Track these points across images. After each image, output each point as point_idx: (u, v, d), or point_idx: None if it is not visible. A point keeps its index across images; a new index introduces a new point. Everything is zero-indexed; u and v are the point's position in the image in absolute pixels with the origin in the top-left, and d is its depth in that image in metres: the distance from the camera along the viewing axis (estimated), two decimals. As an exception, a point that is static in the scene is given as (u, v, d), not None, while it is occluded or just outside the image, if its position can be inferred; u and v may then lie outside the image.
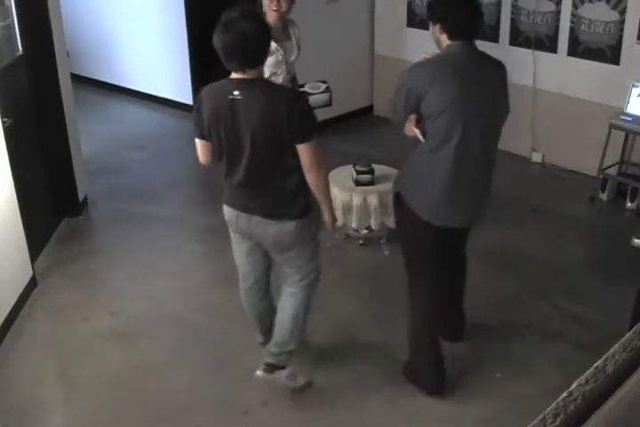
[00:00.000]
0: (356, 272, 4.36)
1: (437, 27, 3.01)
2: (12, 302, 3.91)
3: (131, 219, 5.04)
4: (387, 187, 4.31)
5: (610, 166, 5.20)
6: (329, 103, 4.12)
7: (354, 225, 4.43)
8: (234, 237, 3.27)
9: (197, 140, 3.04)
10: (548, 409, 1.03)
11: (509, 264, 4.45)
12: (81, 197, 5.13)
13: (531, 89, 5.63)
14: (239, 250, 3.31)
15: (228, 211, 3.15)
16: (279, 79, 4.13)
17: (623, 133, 5.08)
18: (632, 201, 5.13)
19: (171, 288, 4.23)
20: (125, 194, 5.43)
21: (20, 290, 4.02)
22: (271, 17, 4.13)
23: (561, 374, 3.33)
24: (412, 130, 3.04)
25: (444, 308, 3.49)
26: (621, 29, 5.10)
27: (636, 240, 2.95)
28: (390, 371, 3.50)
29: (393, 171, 4.45)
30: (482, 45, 3.10)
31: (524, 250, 4.63)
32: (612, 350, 1.13)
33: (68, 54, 5.26)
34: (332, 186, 4.43)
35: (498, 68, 3.12)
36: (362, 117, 6.85)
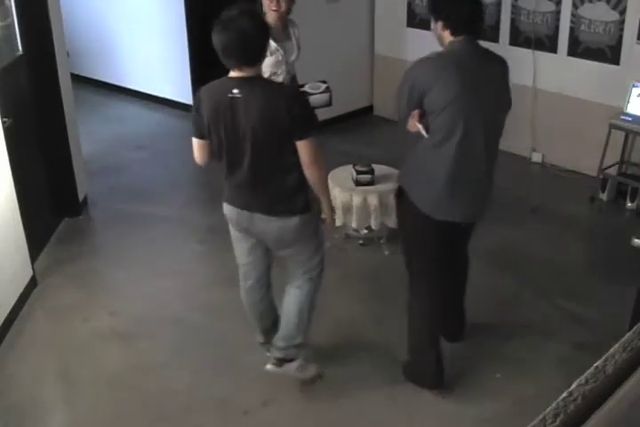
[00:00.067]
0: (356, 272, 4.36)
1: (440, 24, 3.02)
2: (12, 302, 3.91)
3: (131, 219, 5.04)
4: (387, 187, 4.32)
5: (610, 166, 5.20)
6: (329, 103, 4.12)
7: (354, 225, 4.43)
8: (235, 235, 3.27)
9: (195, 140, 3.04)
10: (548, 409, 1.03)
11: (509, 264, 4.45)
12: (81, 197, 5.13)
13: (531, 89, 5.63)
14: (240, 249, 3.31)
15: (229, 209, 3.15)
16: (279, 79, 4.14)
17: (623, 133, 5.08)
18: (632, 201, 5.13)
19: (171, 288, 4.23)
20: (125, 194, 5.43)
21: (20, 290, 4.02)
22: (271, 17, 4.14)
23: (561, 374, 3.34)
24: (415, 125, 3.05)
25: (444, 307, 3.49)
26: (621, 29, 5.10)
27: (636, 240, 2.95)
28: (390, 371, 3.50)
29: (393, 171, 4.45)
30: (482, 45, 3.11)
31: (524, 250, 4.63)
32: (612, 350, 1.13)
33: (68, 54, 5.27)
34: (331, 186, 4.43)
35: (500, 63, 3.15)
36: (362, 117, 6.85)
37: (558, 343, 3.68)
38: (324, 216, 3.21)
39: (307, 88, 3.96)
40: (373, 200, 4.32)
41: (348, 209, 4.37)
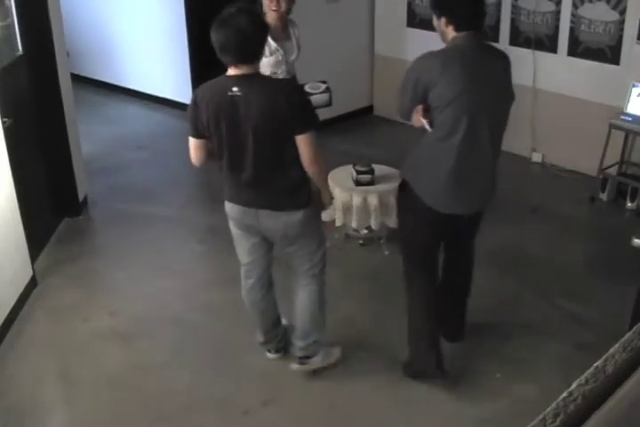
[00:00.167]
0: (356, 272, 4.36)
1: (443, 20, 3.03)
2: (12, 302, 3.91)
3: (131, 219, 5.04)
4: (387, 187, 4.32)
5: (610, 166, 5.20)
6: (329, 103, 4.12)
7: (354, 225, 4.43)
8: (237, 234, 3.28)
9: (192, 140, 3.05)
10: (548, 409, 1.03)
11: (509, 264, 4.45)
12: (81, 197, 5.13)
13: (531, 89, 5.63)
14: (242, 248, 3.32)
15: (232, 208, 3.16)
16: (279, 79, 4.13)
17: (623, 133, 5.08)
18: (632, 201, 5.13)
19: (171, 288, 4.23)
20: (125, 194, 5.43)
21: (20, 290, 4.02)
22: (271, 17, 4.14)
23: (561, 374, 3.34)
24: (419, 120, 3.07)
25: (444, 306, 3.51)
26: (621, 29, 5.10)
27: (636, 240, 2.95)
28: (390, 371, 3.50)
29: (393, 171, 4.45)
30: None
31: (524, 250, 4.63)
32: (611, 350, 1.13)
33: (68, 54, 5.27)
34: (332, 186, 4.43)
35: (502, 58, 3.18)
36: (362, 117, 6.85)
37: (558, 343, 3.68)
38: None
39: (307, 88, 3.96)
40: (373, 200, 4.32)
41: (347, 209, 4.37)
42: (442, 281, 3.57)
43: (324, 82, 4.10)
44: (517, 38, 5.68)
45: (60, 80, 4.72)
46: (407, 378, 3.44)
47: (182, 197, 5.47)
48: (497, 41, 5.65)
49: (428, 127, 3.05)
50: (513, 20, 5.68)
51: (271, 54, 4.12)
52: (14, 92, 4.27)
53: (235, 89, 2.84)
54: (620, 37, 5.12)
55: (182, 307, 4.06)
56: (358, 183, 4.41)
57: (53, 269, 4.41)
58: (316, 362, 3.46)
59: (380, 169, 4.50)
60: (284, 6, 4.14)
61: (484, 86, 3.03)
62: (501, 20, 5.73)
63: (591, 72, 5.34)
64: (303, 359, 3.45)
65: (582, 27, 5.31)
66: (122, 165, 5.93)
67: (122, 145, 6.32)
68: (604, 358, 1.12)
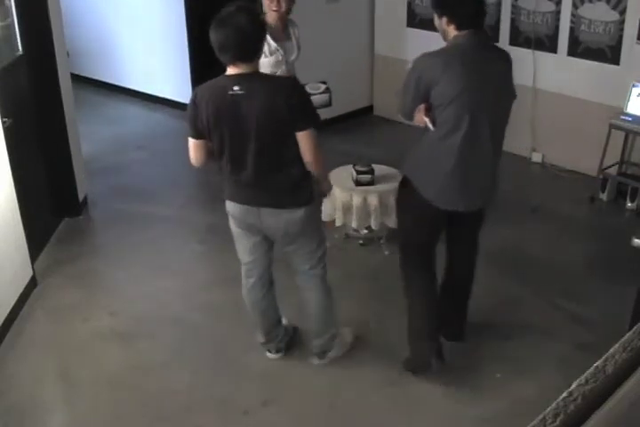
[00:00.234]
0: (356, 272, 4.36)
1: (444, 19, 3.05)
2: (12, 302, 3.91)
3: (131, 219, 5.04)
4: (387, 187, 4.32)
5: (610, 166, 5.20)
6: (329, 103, 4.12)
7: (354, 225, 4.43)
8: (238, 233, 3.28)
9: (192, 141, 3.05)
10: (548, 409, 1.03)
11: (509, 264, 4.45)
12: (81, 197, 5.13)
13: (531, 89, 5.63)
14: (243, 247, 3.32)
15: (233, 207, 3.16)
16: (279, 79, 4.13)
17: (623, 133, 5.08)
18: (632, 201, 5.13)
19: (171, 288, 4.23)
20: (125, 194, 5.43)
21: (20, 290, 4.02)
22: (271, 17, 4.14)
23: (561, 374, 3.34)
24: (422, 119, 3.08)
25: (444, 306, 3.51)
26: (621, 29, 5.10)
27: (636, 240, 2.95)
28: (390, 371, 3.50)
29: (393, 171, 4.45)
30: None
31: (524, 250, 4.63)
32: (612, 350, 1.13)
33: (68, 54, 5.26)
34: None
35: (503, 57, 3.20)
36: (362, 117, 6.85)
37: (558, 343, 3.68)
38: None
39: (307, 88, 3.96)
40: (373, 200, 4.32)
41: (347, 209, 4.37)
42: (443, 282, 3.58)
43: (324, 82, 4.10)
44: (517, 38, 5.68)
45: (60, 80, 4.72)
46: (407, 374, 3.45)
47: (182, 197, 5.47)
48: (497, 41, 5.65)
49: (430, 126, 3.06)
50: (513, 20, 5.68)
51: (271, 54, 4.12)
52: (14, 92, 4.27)
53: (235, 88, 2.84)
54: (620, 37, 5.12)
55: (182, 307, 4.06)
56: (358, 183, 4.41)
57: (53, 269, 4.41)
58: (335, 353, 3.55)
59: (379, 169, 4.50)
60: (284, 6, 4.14)
61: (485, 85, 3.05)
62: (501, 20, 5.73)
63: (591, 72, 5.34)
64: (322, 354, 3.54)
65: (582, 27, 5.31)
66: (122, 165, 5.93)
67: (122, 145, 6.32)
68: (604, 358, 1.12)
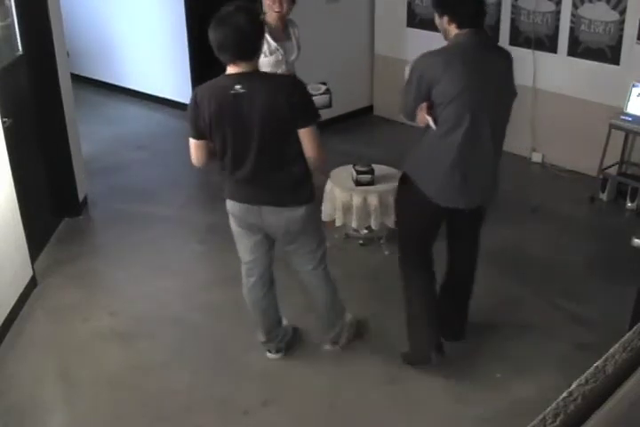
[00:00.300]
0: (356, 272, 4.36)
1: (445, 18, 3.06)
2: (12, 302, 3.91)
3: (131, 219, 5.04)
4: (387, 187, 4.32)
5: (610, 166, 5.20)
6: (329, 105, 4.13)
7: (354, 225, 4.43)
8: (239, 232, 3.28)
9: (193, 141, 3.05)
10: (548, 409, 1.03)
11: (509, 264, 4.45)
12: (81, 197, 5.13)
13: (531, 89, 5.63)
14: (243, 246, 3.33)
15: (234, 206, 3.17)
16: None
17: (623, 133, 5.08)
18: (632, 201, 5.13)
19: (171, 288, 4.23)
20: (125, 194, 5.43)
21: (20, 290, 4.02)
22: (271, 17, 4.14)
23: (561, 374, 3.34)
24: (424, 118, 3.09)
25: (444, 306, 3.52)
26: (621, 29, 5.10)
27: (636, 240, 2.95)
28: (390, 371, 3.50)
29: (393, 171, 4.45)
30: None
31: (524, 250, 4.63)
32: (611, 350, 1.13)
33: (68, 54, 5.26)
34: (332, 186, 4.44)
35: (504, 56, 3.21)
36: (362, 117, 6.85)
37: (558, 343, 3.68)
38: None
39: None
40: (373, 200, 4.32)
41: (347, 209, 4.37)
42: (444, 282, 3.58)
43: (325, 83, 4.10)
44: (517, 38, 5.68)
45: (60, 80, 4.72)
46: (407, 373, 3.46)
47: (182, 197, 5.47)
48: (497, 41, 5.65)
49: (432, 124, 3.07)
50: (513, 20, 5.68)
51: (271, 54, 4.12)
52: (14, 92, 4.27)
53: (237, 87, 2.85)
54: (620, 37, 5.12)
55: (182, 307, 4.06)
56: (358, 183, 4.41)
57: (53, 269, 4.41)
58: (344, 340, 3.63)
59: (379, 169, 4.50)
60: (285, 8, 4.15)
61: (485, 84, 3.06)
62: (501, 20, 5.73)
63: (591, 72, 5.34)
64: (335, 343, 3.63)
65: (582, 27, 5.31)
66: (122, 165, 5.93)
67: (122, 145, 6.32)
68: (604, 358, 1.12)
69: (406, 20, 6.39)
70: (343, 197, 4.36)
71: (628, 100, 4.95)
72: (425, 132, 3.17)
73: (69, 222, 4.98)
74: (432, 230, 3.40)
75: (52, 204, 4.83)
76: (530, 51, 5.61)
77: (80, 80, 7.02)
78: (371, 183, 4.40)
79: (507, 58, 3.20)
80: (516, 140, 5.43)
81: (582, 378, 1.07)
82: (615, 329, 3.14)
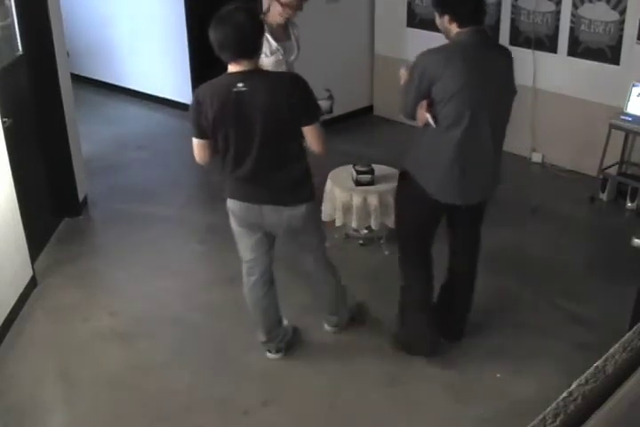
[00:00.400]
0: (356, 272, 4.35)
1: (446, 18, 3.07)
2: (12, 302, 3.91)
3: (131, 219, 5.04)
4: (387, 187, 4.32)
5: (610, 166, 5.20)
6: (330, 110, 4.14)
7: (354, 225, 4.43)
8: (239, 231, 3.29)
9: (196, 140, 3.06)
10: (548, 409, 1.03)
11: (509, 264, 4.45)
12: (81, 197, 5.13)
13: (531, 89, 5.62)
14: (244, 245, 3.33)
15: (235, 204, 3.18)
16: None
17: (623, 133, 5.08)
18: (632, 201, 5.13)
19: (171, 288, 4.23)
20: (125, 194, 5.42)
21: (20, 290, 4.02)
22: (275, 18, 4.11)
23: (561, 374, 3.34)
24: (423, 116, 3.09)
25: (445, 306, 3.53)
26: (621, 29, 5.10)
27: (636, 240, 2.95)
28: (390, 370, 3.50)
29: (393, 171, 4.45)
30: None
31: (524, 250, 4.63)
32: (612, 350, 1.13)
33: (68, 54, 5.26)
34: (332, 186, 4.44)
35: (505, 55, 3.22)
36: (362, 117, 6.85)
37: (558, 343, 3.68)
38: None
39: None
40: (373, 200, 4.32)
41: (347, 209, 4.37)
42: (445, 281, 3.59)
43: (328, 90, 4.11)
44: (517, 38, 5.68)
45: (60, 80, 4.72)
46: (407, 372, 3.48)
47: (182, 197, 5.47)
48: (497, 41, 5.64)
49: (432, 122, 3.08)
50: (513, 20, 5.68)
51: (272, 54, 4.11)
52: (14, 92, 4.27)
53: (240, 85, 2.87)
54: (620, 37, 5.12)
55: (182, 307, 4.06)
56: (358, 183, 4.41)
57: (53, 269, 4.41)
58: (344, 322, 3.75)
59: (380, 169, 4.50)
60: (295, 14, 4.16)
61: (485, 82, 3.07)
62: (501, 20, 5.73)
63: (591, 72, 5.34)
64: (338, 329, 3.75)
65: (582, 27, 5.31)
66: (122, 165, 5.93)
67: (122, 145, 6.32)
68: (604, 358, 1.12)
69: (406, 20, 6.39)
70: (343, 197, 4.36)
71: (628, 100, 4.95)
72: (424, 129, 3.17)
73: (69, 222, 4.98)
74: (431, 227, 3.41)
75: (52, 204, 4.83)
76: (530, 51, 5.61)
77: (80, 80, 7.02)
78: (371, 183, 4.40)
79: (507, 56, 3.21)
80: (516, 140, 5.44)
81: (582, 378, 1.07)
82: (615, 329, 3.14)
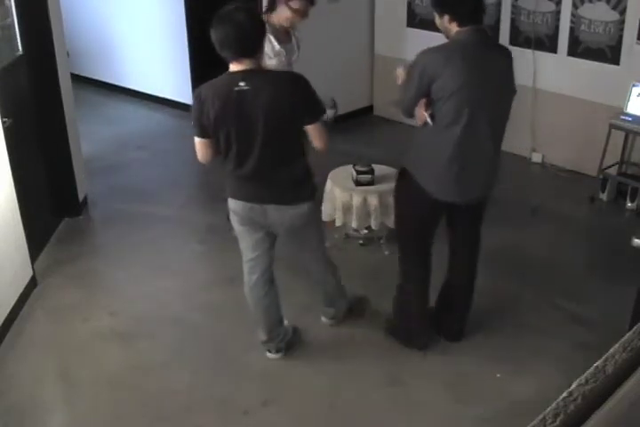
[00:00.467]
0: (356, 272, 4.35)
1: (446, 17, 3.08)
2: (12, 302, 3.91)
3: (131, 219, 5.04)
4: (387, 187, 4.32)
5: (610, 166, 5.20)
6: (333, 119, 4.13)
7: (354, 225, 4.43)
8: (241, 230, 3.29)
9: (198, 140, 3.06)
10: (548, 409, 1.03)
11: (509, 264, 4.45)
12: (81, 197, 5.13)
13: (531, 89, 5.63)
14: (246, 244, 3.34)
15: (236, 204, 3.18)
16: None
17: (623, 133, 5.08)
18: (632, 201, 5.13)
19: (171, 288, 4.23)
20: (125, 194, 5.42)
21: (20, 290, 4.02)
22: (280, 20, 4.08)
23: (561, 374, 3.34)
24: (422, 114, 3.10)
25: (445, 306, 3.53)
26: (621, 29, 5.10)
27: (636, 240, 2.95)
28: (390, 371, 3.50)
29: (393, 171, 4.44)
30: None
31: (524, 250, 4.63)
32: (611, 350, 1.13)
33: (68, 54, 5.26)
34: (332, 186, 4.44)
35: (505, 55, 3.23)
36: (362, 117, 6.84)
37: (558, 343, 3.68)
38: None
39: None
40: (373, 200, 4.32)
41: (347, 209, 4.37)
42: (445, 281, 3.59)
43: (333, 99, 4.10)
44: (517, 38, 5.68)
45: (60, 80, 4.72)
46: (407, 372, 3.48)
47: (182, 197, 5.47)
48: (497, 41, 5.65)
49: (429, 121, 3.09)
50: (513, 20, 5.68)
51: (275, 56, 4.11)
52: (14, 92, 4.27)
53: (242, 84, 2.88)
54: (620, 37, 5.12)
55: (182, 307, 4.06)
56: (358, 183, 4.41)
57: (53, 269, 4.41)
58: (342, 314, 3.80)
59: (379, 169, 4.50)
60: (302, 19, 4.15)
61: (485, 81, 3.07)
62: (501, 20, 5.73)
63: (591, 72, 5.34)
64: (331, 319, 3.80)
65: (582, 27, 5.31)
66: (122, 165, 5.93)
67: (122, 145, 6.31)
68: (604, 358, 1.12)
69: (406, 20, 6.39)
70: (343, 197, 4.36)
71: (628, 100, 4.95)
72: (423, 128, 3.18)
73: (69, 222, 4.98)
74: (430, 226, 3.41)
75: (52, 204, 4.83)
76: (530, 51, 5.61)
77: (80, 80, 7.01)
78: (371, 183, 4.40)
79: (507, 56, 3.21)
80: (516, 140, 5.44)
81: (582, 378, 1.07)
82: (615, 329, 3.14)
